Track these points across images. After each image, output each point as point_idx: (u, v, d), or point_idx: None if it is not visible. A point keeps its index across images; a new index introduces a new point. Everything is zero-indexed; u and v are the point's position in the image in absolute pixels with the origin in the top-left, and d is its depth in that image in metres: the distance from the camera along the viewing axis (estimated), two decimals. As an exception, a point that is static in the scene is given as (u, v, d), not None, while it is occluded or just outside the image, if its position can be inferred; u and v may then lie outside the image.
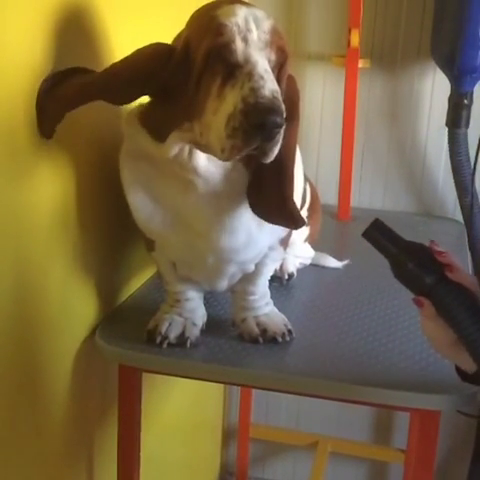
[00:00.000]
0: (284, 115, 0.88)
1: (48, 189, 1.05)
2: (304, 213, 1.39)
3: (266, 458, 2.49)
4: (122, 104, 1.02)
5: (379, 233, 0.88)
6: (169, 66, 0.96)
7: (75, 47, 1.08)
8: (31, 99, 0.97)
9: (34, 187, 1.01)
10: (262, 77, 0.88)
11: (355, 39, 1.81)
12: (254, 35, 0.91)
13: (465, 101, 1.82)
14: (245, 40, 0.91)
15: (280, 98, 0.89)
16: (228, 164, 1.03)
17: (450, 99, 1.86)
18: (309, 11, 2.00)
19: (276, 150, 0.93)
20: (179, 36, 1.01)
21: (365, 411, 2.30)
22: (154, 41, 1.00)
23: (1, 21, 0.88)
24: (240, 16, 0.92)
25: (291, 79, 1.02)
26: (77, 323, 1.21)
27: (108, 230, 1.27)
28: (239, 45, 0.91)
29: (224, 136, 0.89)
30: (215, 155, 0.95)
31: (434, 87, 1.99)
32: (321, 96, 2.05)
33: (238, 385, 1.88)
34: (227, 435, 2.49)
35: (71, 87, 1.00)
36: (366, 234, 0.88)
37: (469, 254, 1.78)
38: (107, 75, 1.00)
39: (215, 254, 1.11)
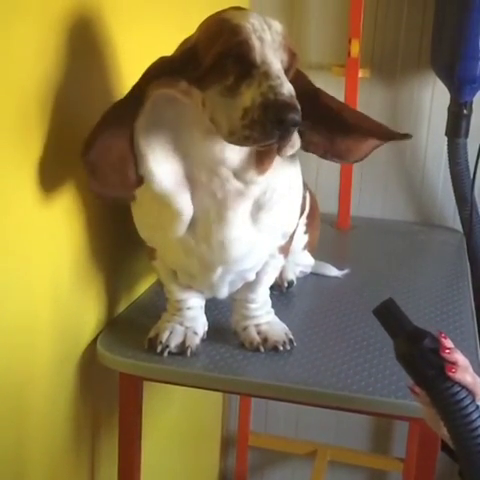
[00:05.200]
0: (300, 114, 0.88)
1: (51, 196, 1.06)
2: (303, 220, 1.40)
3: (265, 466, 2.48)
4: None
5: (389, 313, 0.87)
6: (164, 68, 0.97)
7: (83, 57, 1.09)
8: (40, 105, 0.99)
9: (38, 194, 1.02)
10: (279, 77, 0.89)
11: (355, 49, 1.82)
12: (268, 35, 0.93)
13: (464, 111, 1.83)
14: (261, 39, 0.92)
15: (295, 97, 0.89)
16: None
17: (449, 109, 1.87)
18: (309, 21, 2.01)
19: (293, 146, 0.95)
20: (185, 41, 1.01)
21: (364, 420, 2.29)
22: (159, 49, 1.01)
23: (10, 30, 0.89)
24: (253, 17, 0.94)
25: (300, 73, 1.03)
26: (78, 331, 1.21)
27: (110, 239, 1.27)
28: (256, 43, 0.91)
29: (240, 125, 0.89)
30: (219, 133, 0.95)
31: (434, 97, 1.99)
32: (321, 105, 2.06)
33: (239, 394, 1.88)
34: (226, 443, 2.48)
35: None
36: (376, 312, 0.88)
37: (468, 263, 1.78)
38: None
39: (218, 264, 1.11)
